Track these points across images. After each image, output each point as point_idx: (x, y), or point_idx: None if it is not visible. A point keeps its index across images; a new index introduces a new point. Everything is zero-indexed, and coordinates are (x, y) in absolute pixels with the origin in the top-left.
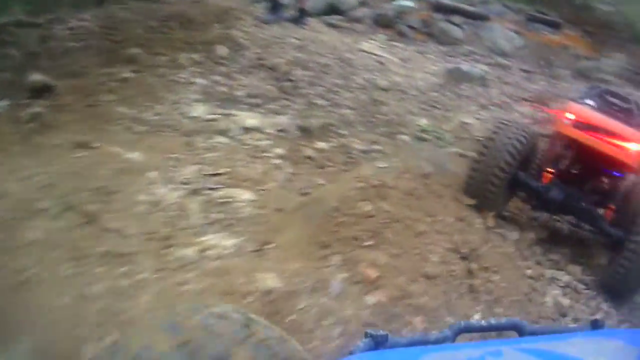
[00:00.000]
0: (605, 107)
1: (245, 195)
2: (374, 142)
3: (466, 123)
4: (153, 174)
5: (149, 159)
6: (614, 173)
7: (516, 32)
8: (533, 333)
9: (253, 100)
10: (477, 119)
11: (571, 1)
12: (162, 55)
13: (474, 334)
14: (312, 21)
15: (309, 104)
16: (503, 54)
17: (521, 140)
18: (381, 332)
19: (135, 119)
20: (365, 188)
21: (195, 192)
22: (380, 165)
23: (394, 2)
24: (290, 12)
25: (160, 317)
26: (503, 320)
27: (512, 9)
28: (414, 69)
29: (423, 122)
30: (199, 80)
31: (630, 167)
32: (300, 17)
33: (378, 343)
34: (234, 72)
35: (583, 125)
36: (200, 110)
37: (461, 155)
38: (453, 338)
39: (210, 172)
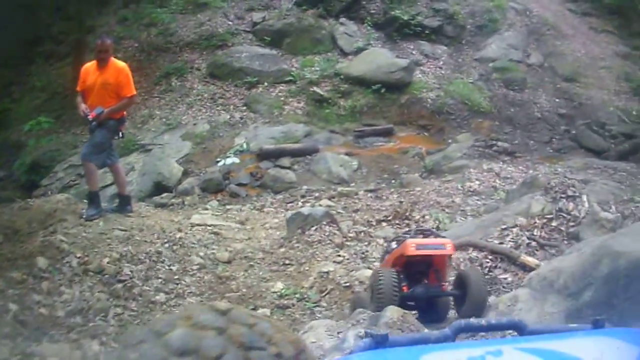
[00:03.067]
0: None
1: None
2: None
3: (326, 272)
4: None
5: None
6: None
7: (349, 155)
8: (533, 332)
9: (73, 321)
10: (337, 262)
11: (396, 102)
12: None
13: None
14: (138, 206)
15: (147, 304)
16: (343, 182)
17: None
18: (381, 332)
19: None
20: None
21: None
22: None
23: (219, 164)
24: (114, 202)
25: None
26: (503, 319)
27: (338, 132)
28: (255, 228)
29: (279, 286)
30: (13, 307)
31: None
32: (123, 204)
33: (378, 342)
34: (58, 285)
35: (420, 246)
36: (3, 353)
37: None
38: (453, 337)
39: None
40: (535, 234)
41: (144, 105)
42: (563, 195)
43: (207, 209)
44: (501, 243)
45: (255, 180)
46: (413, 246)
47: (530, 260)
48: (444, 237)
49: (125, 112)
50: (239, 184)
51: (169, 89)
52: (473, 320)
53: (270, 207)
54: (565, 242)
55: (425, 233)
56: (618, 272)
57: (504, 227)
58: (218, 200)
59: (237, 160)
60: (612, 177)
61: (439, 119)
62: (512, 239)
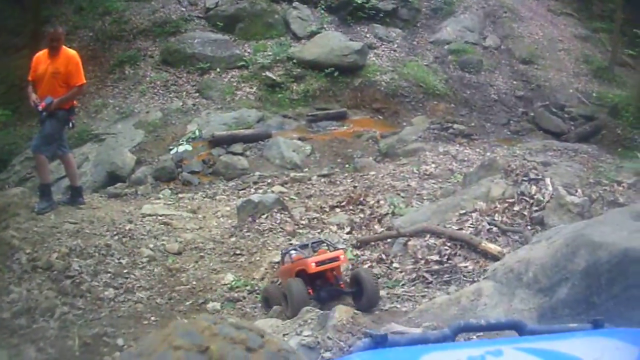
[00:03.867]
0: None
1: None
2: None
3: (277, 262)
4: None
5: None
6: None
7: (302, 139)
8: (533, 332)
9: (18, 322)
10: None
11: (350, 85)
12: None
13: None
14: (91, 197)
15: (94, 300)
16: (296, 167)
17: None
18: (380, 332)
19: None
20: None
21: None
22: None
23: (171, 152)
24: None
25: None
26: (503, 319)
27: (291, 116)
28: (206, 217)
29: (229, 278)
30: None
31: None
32: (75, 196)
33: (377, 343)
34: (7, 284)
35: (319, 263)
36: None
37: None
38: (453, 337)
39: None
40: (496, 219)
41: (98, 94)
42: (525, 178)
43: (159, 198)
44: (460, 229)
45: (208, 168)
46: (313, 264)
47: (492, 247)
48: (337, 248)
49: (75, 102)
50: (192, 172)
51: (122, 77)
52: (472, 320)
53: (223, 194)
54: (529, 227)
55: (317, 246)
56: (599, 266)
57: (462, 212)
58: (170, 189)
59: (189, 147)
60: (573, 159)
61: (394, 102)
62: (471, 224)
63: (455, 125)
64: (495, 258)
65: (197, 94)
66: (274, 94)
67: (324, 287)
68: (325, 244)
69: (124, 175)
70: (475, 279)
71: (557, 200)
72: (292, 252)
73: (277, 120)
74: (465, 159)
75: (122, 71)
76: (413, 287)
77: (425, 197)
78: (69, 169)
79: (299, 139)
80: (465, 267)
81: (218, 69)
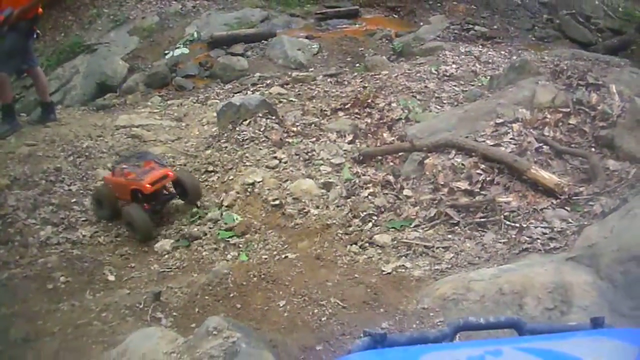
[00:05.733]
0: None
1: None
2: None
3: (252, 184)
4: None
5: None
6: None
7: (310, 38)
8: (532, 331)
9: None
10: (271, 167)
11: None
12: None
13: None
14: (67, 112)
15: (19, 248)
16: (300, 67)
17: None
18: (380, 331)
19: None
20: None
21: None
22: None
23: (167, 56)
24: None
25: None
26: (502, 318)
27: (299, 15)
28: (190, 125)
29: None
30: None
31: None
32: (46, 112)
33: (376, 342)
34: None
35: (154, 182)
36: None
37: None
38: (452, 336)
39: None
40: (546, 134)
41: (93, 4)
42: (581, 83)
43: (147, 106)
44: (497, 145)
45: (205, 71)
46: (149, 185)
47: (545, 175)
48: (164, 165)
49: (40, 9)
50: (186, 76)
51: None
52: (471, 318)
53: (216, 98)
54: (594, 149)
55: (142, 158)
56: None
57: (499, 121)
58: (161, 96)
59: (186, 50)
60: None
61: (410, 0)
62: (512, 139)
63: (476, 27)
64: (548, 192)
65: None
66: None
67: (156, 198)
68: (149, 156)
69: (114, 85)
70: (523, 225)
71: (634, 116)
72: (124, 166)
73: (283, 19)
74: (490, 61)
75: None
76: (431, 230)
77: (445, 101)
78: (37, 83)
79: (306, 37)
80: (507, 203)
81: None
